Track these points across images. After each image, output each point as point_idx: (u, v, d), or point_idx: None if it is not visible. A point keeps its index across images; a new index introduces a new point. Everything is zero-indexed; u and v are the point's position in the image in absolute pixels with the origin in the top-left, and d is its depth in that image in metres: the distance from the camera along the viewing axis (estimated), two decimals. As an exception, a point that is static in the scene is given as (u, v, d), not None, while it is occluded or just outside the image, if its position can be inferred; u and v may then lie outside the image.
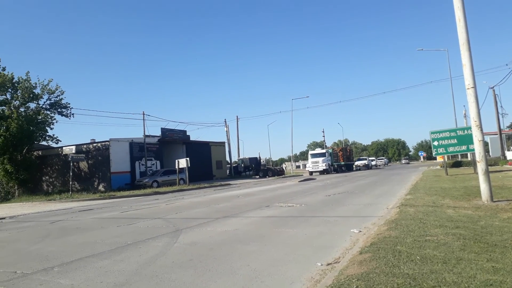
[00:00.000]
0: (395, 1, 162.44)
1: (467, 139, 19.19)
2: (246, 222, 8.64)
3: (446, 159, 26.14)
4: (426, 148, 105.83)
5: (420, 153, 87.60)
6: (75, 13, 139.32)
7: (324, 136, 65.38)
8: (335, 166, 46.01)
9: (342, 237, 6.16)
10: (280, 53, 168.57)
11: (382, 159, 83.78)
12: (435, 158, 48.15)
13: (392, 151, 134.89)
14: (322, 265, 4.60)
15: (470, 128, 15.15)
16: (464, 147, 20.29)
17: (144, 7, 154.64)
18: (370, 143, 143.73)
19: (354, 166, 53.63)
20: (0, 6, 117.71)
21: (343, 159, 48.40)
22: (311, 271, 4.37)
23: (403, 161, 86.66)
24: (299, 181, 26.38)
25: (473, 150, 11.90)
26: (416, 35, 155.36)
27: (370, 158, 70.29)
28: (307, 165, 45.96)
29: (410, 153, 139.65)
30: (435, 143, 20.91)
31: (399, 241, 5.07)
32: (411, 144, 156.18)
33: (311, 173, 42.43)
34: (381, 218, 7.56)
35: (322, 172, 42.32)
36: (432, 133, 21.18)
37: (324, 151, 45.71)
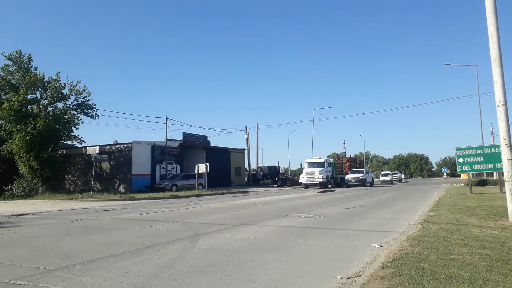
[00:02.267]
0: (423, 15, 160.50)
1: (495, 158, 18.65)
2: (264, 230, 8.60)
3: (471, 177, 25.45)
4: (450, 165, 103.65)
5: (443, 170, 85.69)
6: (102, 11, 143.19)
7: (345, 148, 64.81)
8: (338, 179, 38.83)
9: (363, 251, 6.05)
10: (305, 62, 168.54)
11: (397, 173, 72.98)
12: (459, 175, 47.01)
13: (414, 166, 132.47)
14: (342, 278, 4.52)
15: (498, 146, 14.75)
16: (490, 166, 19.70)
17: (172, 10, 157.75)
18: (392, 157, 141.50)
19: (351, 179, 38.73)
20: (32, 3, 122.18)
21: (350, 171, 41.24)
22: (331, 284, 4.30)
23: (390, 176, 58.51)
24: (318, 192, 26.15)
25: (501, 169, 11.57)
26: (444, 50, 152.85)
27: (384, 173, 63.77)
28: (301, 176, 37.98)
29: (433, 169, 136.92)
30: (460, 160, 20.39)
31: (422, 258, 4.94)
32: (434, 159, 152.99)
33: (306, 186, 35.73)
34: (402, 234, 7.40)
35: (317, 186, 35.24)
36: (458, 149, 20.67)
37: (322, 160, 37.60)
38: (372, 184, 39.46)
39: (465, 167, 20.31)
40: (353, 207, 14.20)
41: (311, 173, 35.54)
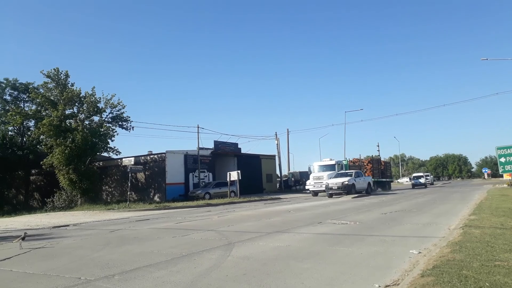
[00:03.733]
0: (456, 10, 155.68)
1: (539, 156, 17.74)
2: (298, 238, 8.53)
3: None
4: (491, 165, 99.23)
5: (484, 170, 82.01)
6: (131, 25, 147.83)
7: (379, 150, 63.29)
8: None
9: (401, 258, 5.88)
10: (335, 64, 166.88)
11: (428, 175, 59.32)
12: (501, 176, 44.65)
13: (453, 167, 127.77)
14: (380, 286, 4.41)
15: (542, 144, 13.98)
16: (535, 165, 18.75)
17: (202, 20, 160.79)
18: (428, 159, 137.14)
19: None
20: (66, 19, 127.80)
21: (373, 174, 36.57)
22: (369, 293, 4.20)
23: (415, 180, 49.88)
24: (352, 197, 25.67)
25: (547, 168, 10.97)
26: (480, 44, 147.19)
27: (416, 175, 53.91)
28: (307, 182, 32.90)
29: (473, 169, 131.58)
30: (502, 159, 19.57)
31: (464, 265, 4.74)
32: (474, 160, 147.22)
33: (315, 193, 30.76)
34: (442, 240, 7.14)
35: (319, 192, 30.51)
36: (499, 148, 19.85)
37: (333, 162, 32.54)
38: (370, 190, 29.60)
39: (508, 167, 19.48)
40: (389, 212, 13.85)
41: (320, 178, 30.77)
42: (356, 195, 28.98)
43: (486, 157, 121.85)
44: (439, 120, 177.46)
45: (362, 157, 40.26)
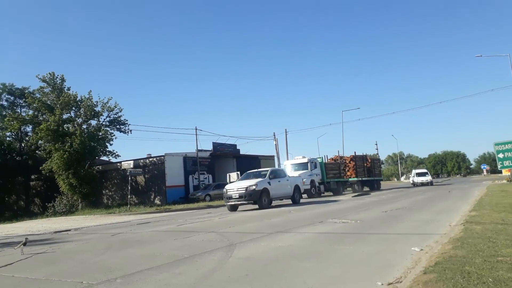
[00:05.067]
0: (450, 7, 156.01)
1: (538, 151, 17.77)
2: (300, 238, 8.52)
3: (513, 173, 24.29)
4: (489, 161, 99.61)
5: (482, 166, 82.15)
6: (127, 30, 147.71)
7: (377, 149, 63.43)
8: (331, 184, 30.04)
9: (403, 256, 5.87)
10: (330, 63, 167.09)
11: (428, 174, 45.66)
12: (500, 172, 44.30)
13: (451, 164, 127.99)
14: (382, 284, 4.40)
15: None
16: (534, 160, 18.78)
17: (197, 22, 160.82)
18: (427, 156, 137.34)
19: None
20: (60, 23, 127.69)
21: (356, 173, 33.90)
22: (372, 291, 4.20)
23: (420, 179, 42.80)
24: (352, 196, 25.71)
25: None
26: (474, 42, 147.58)
27: (419, 171, 46.60)
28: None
29: (471, 166, 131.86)
30: (500, 155, 19.61)
31: (467, 261, 4.74)
32: (472, 156, 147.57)
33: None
34: (444, 236, 7.14)
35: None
36: (497, 144, 19.90)
37: (305, 160, 28.66)
38: (297, 198, 21.01)
39: (506, 163, 19.53)
40: (389, 210, 13.85)
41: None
42: (356, 194, 28.29)
43: (485, 154, 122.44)
44: (436, 118, 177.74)
45: (344, 155, 36.19)
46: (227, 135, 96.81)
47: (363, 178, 35.11)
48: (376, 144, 65.49)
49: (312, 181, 26.92)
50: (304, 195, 25.60)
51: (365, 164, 36.18)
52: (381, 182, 42.11)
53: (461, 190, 25.54)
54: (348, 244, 7.17)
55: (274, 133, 48.31)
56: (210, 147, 37.42)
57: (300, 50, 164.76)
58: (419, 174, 44.51)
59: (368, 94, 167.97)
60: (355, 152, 35.87)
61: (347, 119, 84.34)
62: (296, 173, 25.96)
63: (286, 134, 50.39)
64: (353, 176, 33.95)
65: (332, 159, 34.40)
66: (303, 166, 28.26)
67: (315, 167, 28.75)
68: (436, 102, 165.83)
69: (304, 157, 29.53)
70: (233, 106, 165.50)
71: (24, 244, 9.05)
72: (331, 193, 30.52)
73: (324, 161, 31.02)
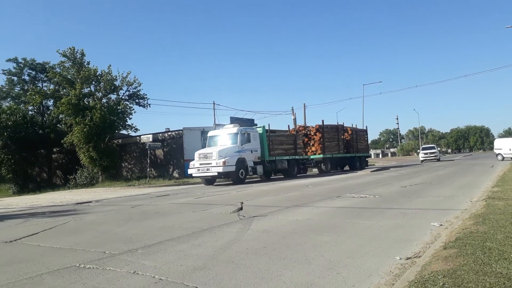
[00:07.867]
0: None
1: None
2: (317, 212, 8.54)
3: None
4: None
5: (506, 142, 79.97)
6: (144, 11, 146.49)
7: (398, 123, 62.46)
8: (282, 162, 23.50)
9: (422, 231, 5.82)
10: (353, 38, 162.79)
11: (434, 148, 45.69)
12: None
13: (474, 139, 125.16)
14: (401, 259, 4.38)
15: None
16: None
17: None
18: (449, 131, 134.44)
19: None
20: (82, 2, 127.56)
21: (323, 148, 26.39)
22: (390, 265, 4.18)
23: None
24: (371, 171, 25.51)
25: None
26: (503, 11, 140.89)
27: (425, 146, 48.15)
28: (191, 163, 21.11)
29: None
30: (526, 130, 18.93)
31: (488, 237, 4.66)
32: (497, 131, 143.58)
33: (206, 180, 21.06)
34: (465, 212, 7.03)
35: (212, 180, 20.94)
36: (523, 119, 19.19)
37: (235, 130, 21.48)
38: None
39: (532, 138, 18.85)
40: (409, 185, 13.71)
41: (207, 156, 20.21)
42: (375, 168, 27.90)
43: (510, 128, 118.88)
44: (460, 91, 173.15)
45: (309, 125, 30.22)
46: (245, 110, 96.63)
47: (336, 155, 27.86)
48: (397, 118, 64.77)
49: (240, 160, 20.48)
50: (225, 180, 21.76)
51: (342, 137, 29.00)
52: (367, 159, 34.44)
53: (483, 166, 25.03)
54: (366, 219, 7.14)
55: (292, 107, 48.00)
56: (227, 122, 37.41)
57: (322, 24, 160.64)
58: (425, 149, 44.85)
59: (390, 67, 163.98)
60: (322, 121, 27.64)
61: (368, 93, 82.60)
62: (214, 149, 20.46)
63: (304, 109, 49.86)
64: (318, 152, 26.65)
65: (293, 130, 28.99)
66: (229, 138, 21.37)
67: (248, 140, 21.47)
68: (461, 75, 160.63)
69: (234, 125, 22.53)
70: (252, 81, 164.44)
71: (241, 209, 9.17)
72: (272, 176, 25.05)
73: (268, 133, 23.25)
